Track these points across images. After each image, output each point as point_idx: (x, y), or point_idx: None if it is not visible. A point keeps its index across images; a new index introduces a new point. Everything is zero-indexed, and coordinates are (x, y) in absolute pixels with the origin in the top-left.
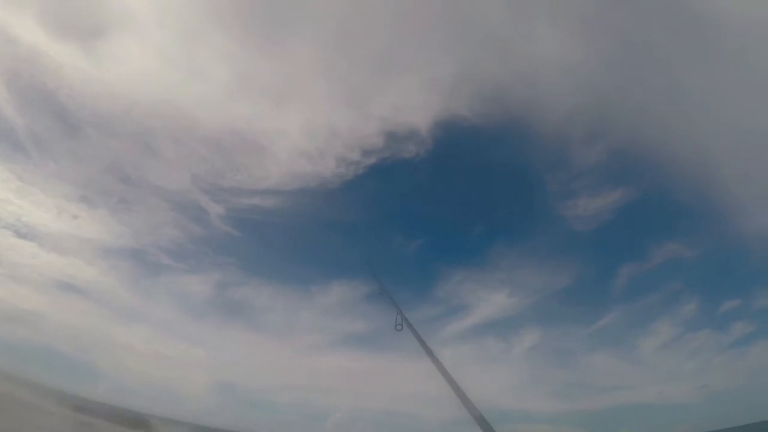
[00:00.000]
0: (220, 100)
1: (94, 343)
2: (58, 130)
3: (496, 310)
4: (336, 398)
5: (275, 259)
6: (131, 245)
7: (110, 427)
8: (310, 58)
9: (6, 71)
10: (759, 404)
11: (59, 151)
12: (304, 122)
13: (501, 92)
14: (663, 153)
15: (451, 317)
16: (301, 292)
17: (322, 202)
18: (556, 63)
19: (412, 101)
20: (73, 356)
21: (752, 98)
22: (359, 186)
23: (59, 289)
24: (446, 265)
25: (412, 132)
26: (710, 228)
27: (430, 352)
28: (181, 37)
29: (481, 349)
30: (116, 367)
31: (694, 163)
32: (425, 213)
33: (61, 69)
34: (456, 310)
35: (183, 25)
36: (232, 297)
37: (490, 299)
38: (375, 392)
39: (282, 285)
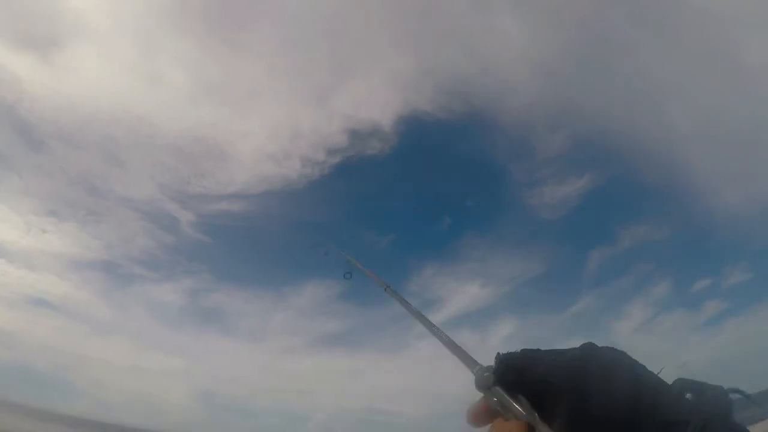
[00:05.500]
0: (180, 105)
1: (70, 359)
2: (21, 144)
3: (469, 302)
4: (316, 399)
5: (246, 263)
6: (103, 257)
7: None
8: (269, 58)
9: None
10: (738, 380)
11: (23, 165)
12: (267, 124)
13: (463, 84)
14: (627, 137)
15: (426, 311)
16: (274, 294)
17: (290, 203)
18: (516, 53)
19: (373, 97)
20: (50, 373)
21: (714, 78)
22: (326, 185)
23: (32, 306)
24: (418, 259)
25: (375, 128)
26: (678, 209)
27: (415, 312)
28: (138, 43)
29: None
30: (95, 382)
31: (659, 145)
32: (394, 209)
33: (20, 82)
34: (430, 304)
35: (139, 32)
36: (206, 304)
37: (463, 291)
38: (355, 391)
39: (255, 288)
